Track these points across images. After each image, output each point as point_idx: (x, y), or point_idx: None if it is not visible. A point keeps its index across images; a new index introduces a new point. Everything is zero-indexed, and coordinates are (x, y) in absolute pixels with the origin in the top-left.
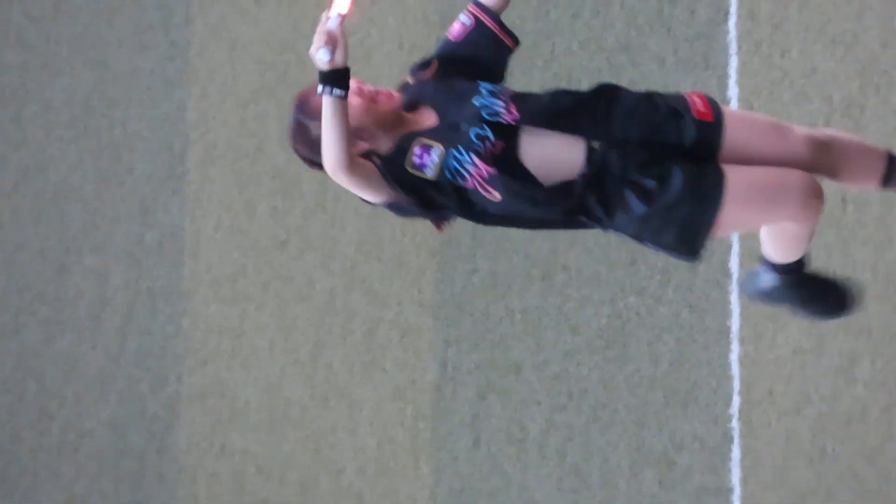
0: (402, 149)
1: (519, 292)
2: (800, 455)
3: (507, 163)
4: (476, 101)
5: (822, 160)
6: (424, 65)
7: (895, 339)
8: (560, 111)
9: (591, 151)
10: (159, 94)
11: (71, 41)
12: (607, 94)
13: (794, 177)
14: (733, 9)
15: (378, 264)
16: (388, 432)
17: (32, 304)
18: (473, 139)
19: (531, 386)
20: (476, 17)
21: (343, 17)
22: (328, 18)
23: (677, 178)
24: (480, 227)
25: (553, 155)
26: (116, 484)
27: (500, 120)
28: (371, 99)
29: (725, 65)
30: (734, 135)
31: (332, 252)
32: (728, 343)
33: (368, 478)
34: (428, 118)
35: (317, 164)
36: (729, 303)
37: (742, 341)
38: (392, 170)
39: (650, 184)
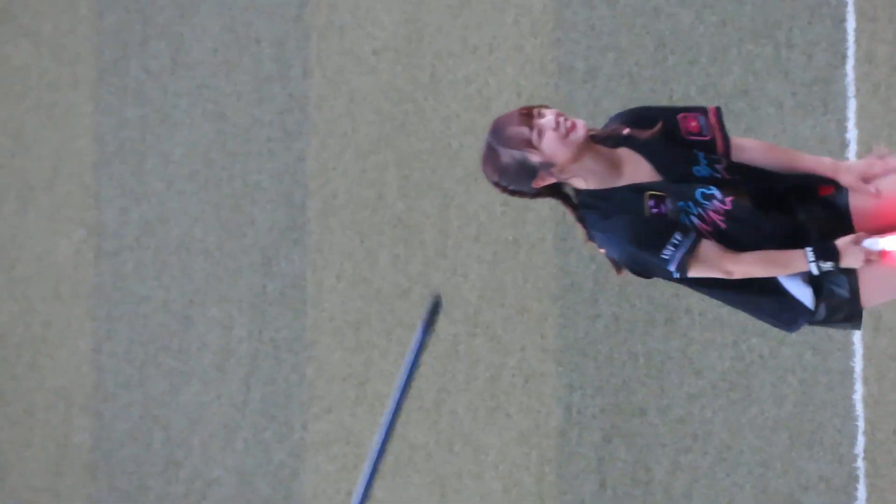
0: (622, 199)
1: (642, 336)
2: None
3: (739, 211)
4: (696, 171)
5: None
6: (640, 121)
7: None
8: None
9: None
10: (278, 145)
11: (189, 94)
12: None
13: None
14: (850, 52)
15: (501, 310)
16: (514, 477)
17: (157, 356)
18: (700, 198)
19: (656, 429)
20: (710, 125)
21: (884, 256)
22: (871, 239)
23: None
24: (602, 273)
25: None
26: None
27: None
28: (566, 133)
29: (844, 108)
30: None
31: (454, 299)
32: (852, 383)
33: None
34: (642, 171)
35: (501, 186)
36: (852, 343)
37: (865, 381)
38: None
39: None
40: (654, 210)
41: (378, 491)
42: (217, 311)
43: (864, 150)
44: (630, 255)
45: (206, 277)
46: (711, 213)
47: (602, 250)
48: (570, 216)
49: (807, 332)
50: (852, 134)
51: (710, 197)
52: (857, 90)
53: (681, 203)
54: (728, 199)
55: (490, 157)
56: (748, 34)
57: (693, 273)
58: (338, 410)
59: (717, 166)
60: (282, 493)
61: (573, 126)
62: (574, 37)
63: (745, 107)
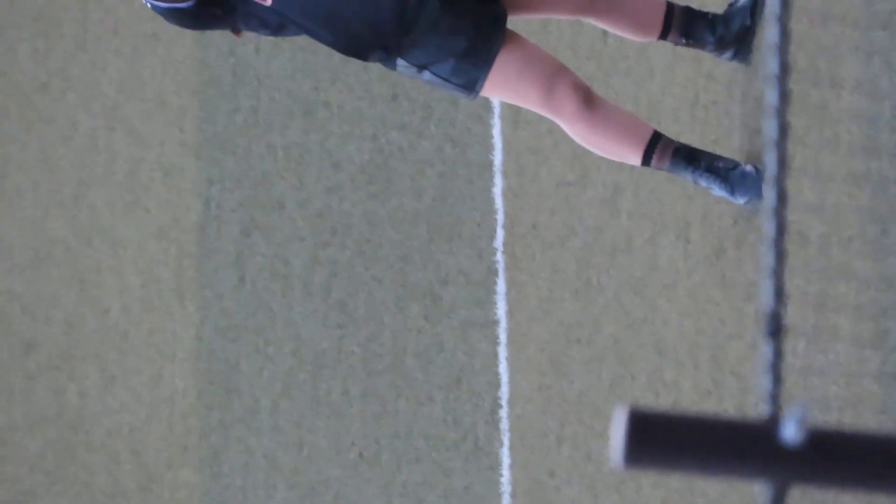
0: None
1: (280, 129)
2: (565, 287)
3: None
4: None
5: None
6: None
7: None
8: None
9: None
10: None
11: None
12: None
13: (563, 77)
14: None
15: (139, 104)
16: (153, 272)
17: None
18: None
19: (295, 223)
20: None
21: None
22: None
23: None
24: (241, 66)
25: None
26: None
27: None
28: None
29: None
30: None
31: (92, 93)
32: (491, 177)
33: (134, 317)
34: None
35: None
36: (492, 136)
37: (505, 175)
38: None
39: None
40: None
41: (16, 285)
42: None
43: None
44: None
45: None
46: None
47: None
48: None
49: (446, 125)
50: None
51: None
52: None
53: None
54: None
55: None
56: None
57: None
58: None
59: None
60: None
61: None
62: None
63: None
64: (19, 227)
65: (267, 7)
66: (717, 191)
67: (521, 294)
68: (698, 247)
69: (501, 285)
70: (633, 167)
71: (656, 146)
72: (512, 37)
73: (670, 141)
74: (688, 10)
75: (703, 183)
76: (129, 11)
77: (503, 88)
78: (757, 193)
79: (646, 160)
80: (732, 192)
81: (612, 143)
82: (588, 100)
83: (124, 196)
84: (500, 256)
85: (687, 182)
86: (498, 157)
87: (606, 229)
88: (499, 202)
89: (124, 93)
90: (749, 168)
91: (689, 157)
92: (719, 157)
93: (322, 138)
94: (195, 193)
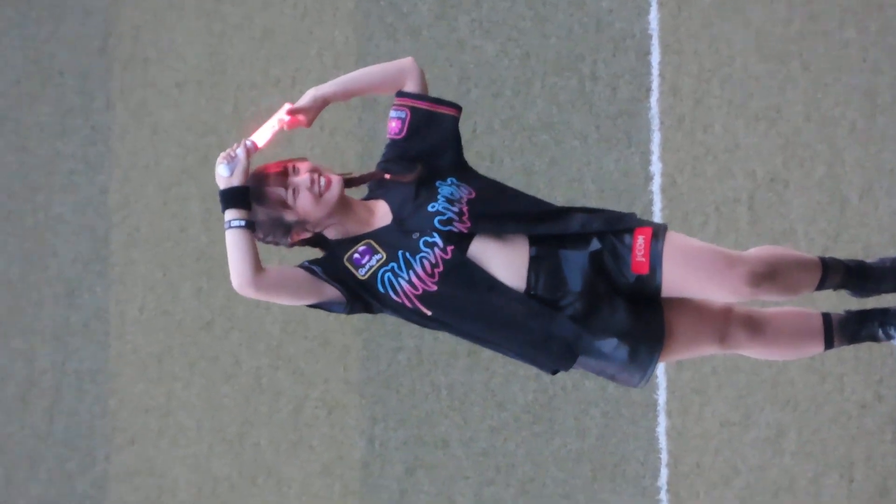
0: (352, 242)
1: (444, 368)
2: None
3: (455, 267)
4: (431, 208)
5: (762, 294)
6: (397, 165)
7: (820, 409)
8: (514, 215)
9: (535, 260)
10: (81, 177)
11: None
12: (560, 211)
13: (728, 324)
14: (655, 85)
15: (304, 342)
16: None
17: None
18: (422, 247)
19: (459, 462)
20: (408, 107)
21: (255, 148)
22: (241, 143)
23: (622, 351)
24: None
25: (500, 261)
26: None
27: (452, 229)
28: (320, 193)
29: (648, 141)
30: (672, 283)
31: (257, 332)
32: (655, 416)
33: None
34: (383, 216)
35: (258, 238)
36: (655, 376)
37: (669, 414)
38: (330, 261)
39: (607, 348)
40: (358, 256)
41: None
42: (20, 343)
43: (669, 182)
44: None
45: (9, 309)
46: (422, 276)
47: None
48: None
49: None
50: (656, 167)
51: (432, 245)
52: (662, 123)
53: (393, 263)
54: (449, 249)
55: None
56: (552, 67)
57: None
58: (141, 442)
59: (455, 204)
60: None
61: (328, 184)
62: None
63: (548, 140)
64: (183, 464)
65: (428, 316)
66: None
67: None
68: (862, 486)
69: None
70: (795, 408)
71: (832, 329)
72: (675, 310)
73: (839, 315)
74: (850, 318)
75: (892, 331)
76: (296, 257)
77: (677, 358)
78: None
79: (828, 345)
80: None
81: (792, 350)
82: (754, 328)
83: (288, 434)
84: (664, 496)
85: (880, 342)
86: (662, 397)
87: (769, 469)
88: (662, 441)
89: (288, 331)
90: None
91: (861, 319)
92: (886, 309)
93: (486, 378)
94: (359, 431)
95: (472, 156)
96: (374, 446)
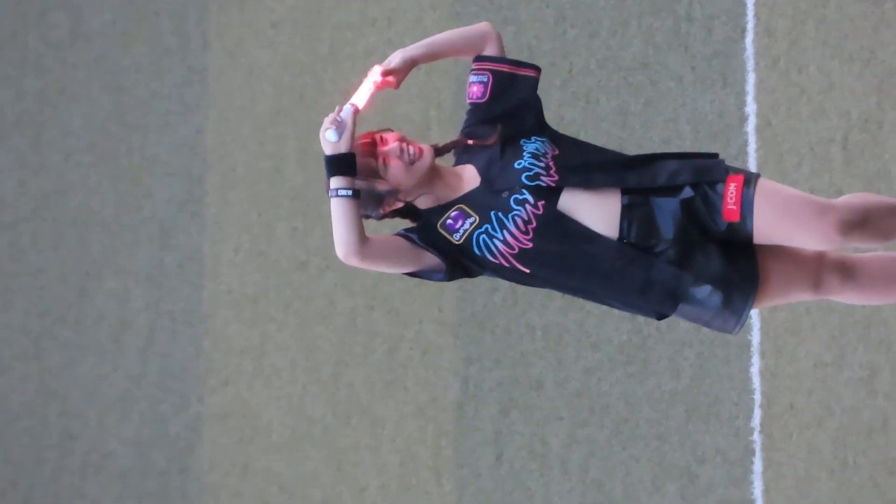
0: (444, 209)
1: (539, 310)
2: (821, 467)
3: (548, 221)
4: (517, 165)
5: (853, 241)
6: (480, 130)
7: None
8: (602, 166)
9: (628, 209)
10: (177, 118)
11: (88, 66)
12: (647, 159)
13: (820, 271)
14: (750, 26)
15: (399, 283)
16: (411, 450)
17: (54, 328)
18: (513, 205)
19: (553, 402)
20: (490, 70)
21: (357, 111)
22: (343, 108)
23: (716, 297)
24: None
25: (591, 212)
26: None
27: (541, 183)
28: (411, 161)
29: (743, 82)
30: (762, 230)
31: (352, 272)
32: (749, 357)
33: (391, 495)
34: (472, 180)
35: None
36: (749, 317)
37: (763, 355)
38: (425, 230)
39: (701, 294)
40: (451, 222)
41: (274, 464)
42: (114, 283)
43: (763, 123)
44: None
45: (104, 250)
46: (516, 234)
47: None
48: None
49: None
50: (751, 108)
51: (523, 202)
52: (757, 64)
53: (487, 225)
54: (540, 203)
55: None
56: (648, 7)
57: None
58: (234, 383)
59: (541, 160)
60: (178, 465)
61: (419, 153)
62: (473, 10)
63: (644, 80)
64: (277, 406)
65: (527, 274)
66: None
67: (778, 474)
68: None
69: (758, 465)
70: (889, 349)
71: None
72: (768, 257)
73: None
74: None
75: None
76: (384, 231)
77: (771, 304)
78: None
79: None
80: None
81: (885, 295)
82: (847, 274)
83: (383, 375)
84: (756, 436)
85: None
86: (756, 338)
87: (862, 410)
88: (756, 382)
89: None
90: None
91: None
92: None
93: (581, 318)
94: (453, 372)
95: (567, 96)
96: (468, 387)
